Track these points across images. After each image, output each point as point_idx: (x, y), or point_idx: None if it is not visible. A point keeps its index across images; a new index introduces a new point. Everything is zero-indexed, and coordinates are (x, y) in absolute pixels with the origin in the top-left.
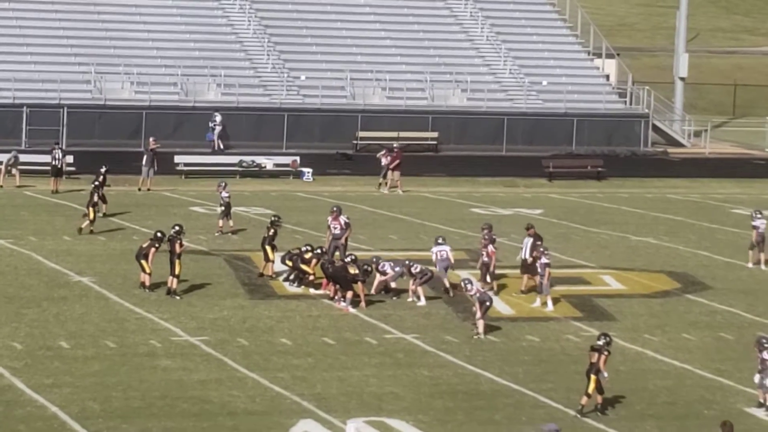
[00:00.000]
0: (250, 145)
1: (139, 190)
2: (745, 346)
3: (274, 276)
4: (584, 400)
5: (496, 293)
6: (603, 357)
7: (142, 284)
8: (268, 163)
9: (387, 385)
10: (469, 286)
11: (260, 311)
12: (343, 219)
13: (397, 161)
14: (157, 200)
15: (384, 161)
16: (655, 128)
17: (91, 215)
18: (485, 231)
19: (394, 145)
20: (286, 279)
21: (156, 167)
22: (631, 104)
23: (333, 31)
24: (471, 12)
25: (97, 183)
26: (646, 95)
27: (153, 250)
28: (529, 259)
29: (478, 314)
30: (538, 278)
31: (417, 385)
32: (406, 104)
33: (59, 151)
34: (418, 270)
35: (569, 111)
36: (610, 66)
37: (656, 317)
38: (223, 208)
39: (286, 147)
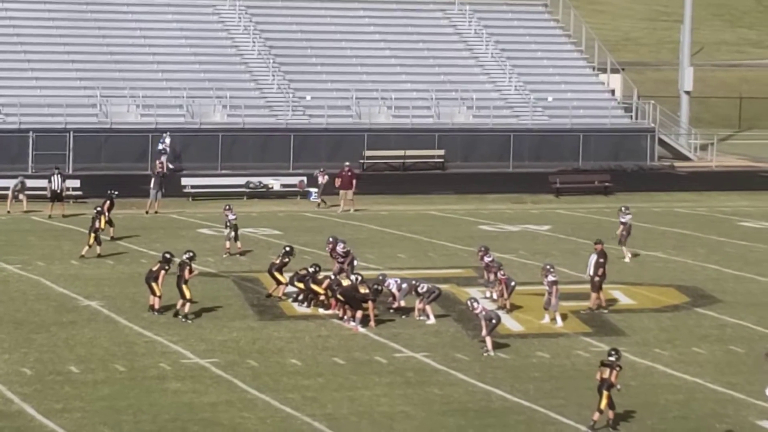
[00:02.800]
0: (257, 166)
1: (147, 213)
2: (755, 359)
3: (284, 297)
4: (596, 416)
5: (509, 311)
6: (615, 372)
7: (151, 307)
8: (275, 183)
9: (398, 405)
10: (474, 305)
11: (269, 332)
12: (339, 248)
13: (351, 180)
14: (165, 223)
15: (321, 179)
16: (662, 142)
17: (90, 241)
18: (484, 254)
19: (346, 164)
20: (296, 299)
21: (164, 190)
22: (636, 119)
23: (338, 50)
24: (475, 29)
25: (99, 209)
26: (651, 109)
27: (162, 272)
28: (596, 278)
29: (484, 331)
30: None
31: (428, 403)
32: (412, 122)
33: (58, 175)
34: (425, 289)
35: (575, 126)
36: (616, 81)
37: (666, 331)
38: (229, 230)
39: (292, 167)
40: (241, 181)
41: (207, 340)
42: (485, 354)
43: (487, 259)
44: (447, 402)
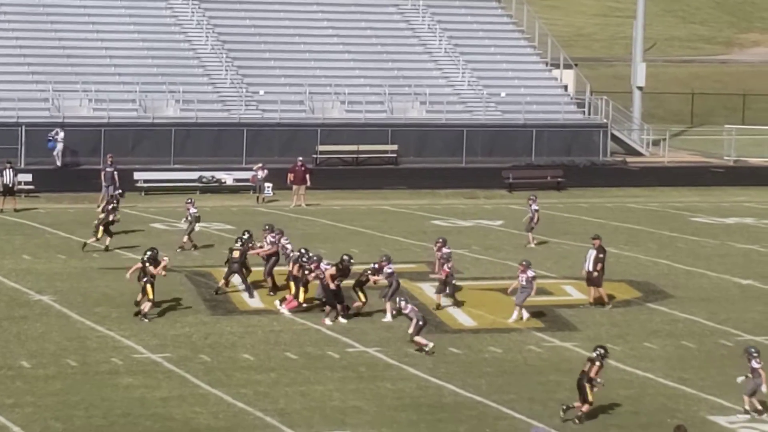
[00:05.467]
0: (210, 161)
1: (99, 207)
2: (707, 354)
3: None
4: (585, 407)
5: (459, 305)
6: (595, 367)
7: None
8: (228, 178)
9: (350, 399)
10: (403, 304)
11: (222, 327)
12: (269, 237)
13: (304, 175)
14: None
15: (261, 174)
16: (614, 138)
17: (99, 234)
18: (440, 246)
19: (299, 159)
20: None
21: (117, 184)
22: (589, 114)
23: (291, 45)
24: (429, 24)
25: (113, 204)
26: (604, 105)
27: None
28: (594, 273)
29: (411, 330)
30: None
31: (380, 398)
32: (366, 117)
33: (10, 170)
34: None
35: (528, 122)
36: (568, 76)
37: (618, 326)
38: (189, 223)
39: (245, 162)
40: (194, 175)
41: (159, 335)
42: (425, 352)
43: (444, 251)
44: (399, 397)
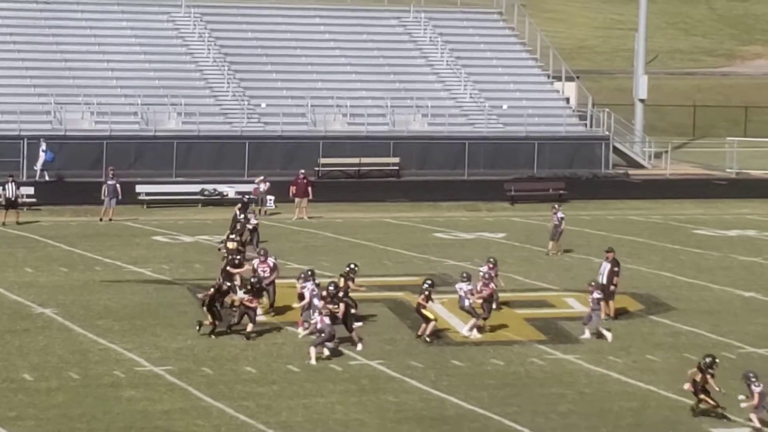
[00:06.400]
0: (212, 174)
1: (101, 220)
2: None
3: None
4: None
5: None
6: (706, 377)
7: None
8: (229, 191)
9: (352, 412)
10: (314, 315)
11: (224, 340)
12: (271, 260)
13: (306, 188)
14: (119, 230)
15: (263, 187)
16: (616, 150)
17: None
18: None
19: (301, 172)
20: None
21: (119, 197)
22: (591, 127)
23: (293, 58)
24: (431, 37)
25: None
26: (606, 117)
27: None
28: (611, 287)
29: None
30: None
31: (382, 411)
32: (368, 130)
33: (12, 183)
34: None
35: (530, 134)
36: (570, 89)
37: (620, 339)
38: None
39: (247, 175)
40: (196, 188)
41: (161, 347)
42: (307, 362)
43: (489, 271)
44: (401, 409)
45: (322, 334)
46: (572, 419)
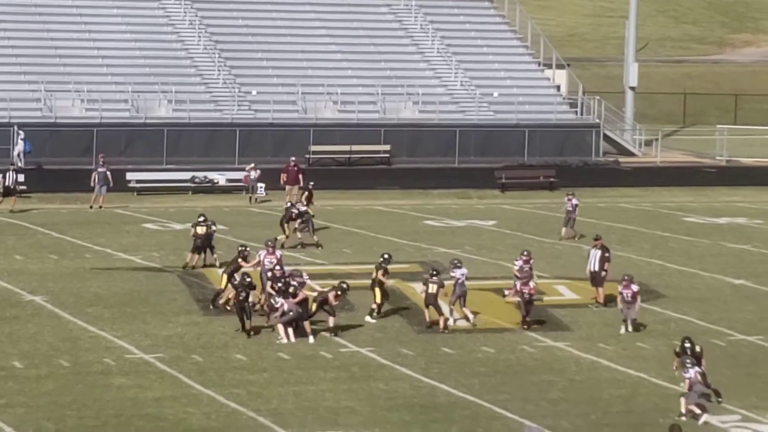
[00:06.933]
0: (202, 161)
1: (91, 207)
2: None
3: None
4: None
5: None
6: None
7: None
8: (220, 178)
9: (343, 400)
10: (276, 299)
11: (215, 327)
12: (279, 253)
13: (296, 176)
14: (109, 217)
15: (253, 174)
16: (607, 138)
17: (287, 231)
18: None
19: (292, 159)
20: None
21: (110, 184)
22: (582, 114)
23: (283, 45)
24: (421, 24)
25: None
26: (596, 105)
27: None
28: (603, 272)
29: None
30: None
31: (373, 398)
32: (358, 117)
33: (13, 172)
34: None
35: (521, 122)
36: (561, 76)
37: (610, 326)
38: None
39: (238, 162)
40: (187, 176)
41: (151, 335)
42: (277, 341)
43: (524, 266)
44: (392, 397)
45: (291, 313)
46: (562, 406)
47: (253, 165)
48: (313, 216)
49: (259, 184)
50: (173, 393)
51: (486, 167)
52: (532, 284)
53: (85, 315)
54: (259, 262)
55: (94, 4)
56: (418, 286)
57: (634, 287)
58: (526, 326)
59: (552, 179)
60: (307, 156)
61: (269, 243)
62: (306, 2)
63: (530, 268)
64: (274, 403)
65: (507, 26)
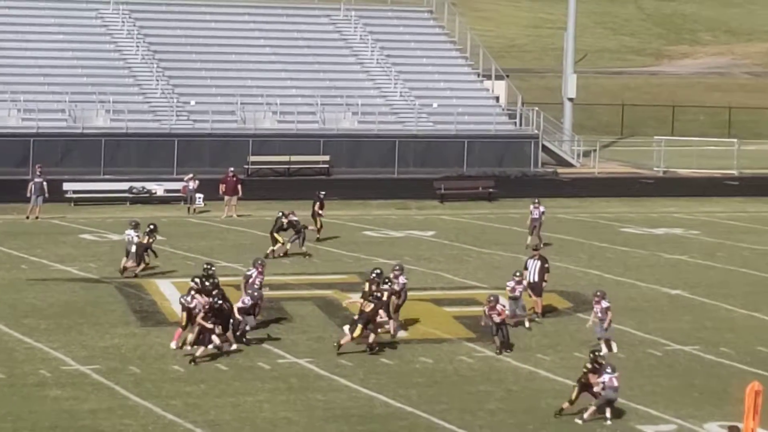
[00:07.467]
0: (140, 171)
1: (27, 218)
2: (636, 364)
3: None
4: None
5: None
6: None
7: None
8: (158, 189)
9: (281, 411)
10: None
11: (152, 338)
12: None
13: (235, 186)
14: (46, 228)
15: (192, 185)
16: (545, 149)
17: (279, 240)
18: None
19: (230, 170)
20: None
21: (46, 195)
22: (521, 125)
23: (222, 55)
24: (361, 35)
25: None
26: (535, 116)
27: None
28: (544, 282)
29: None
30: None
31: (311, 409)
32: (298, 128)
33: None
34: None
35: (460, 133)
36: (500, 87)
37: (548, 337)
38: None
39: (176, 173)
40: (124, 186)
41: (88, 346)
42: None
43: (517, 287)
44: (329, 408)
45: (241, 325)
46: (500, 416)
47: (191, 175)
48: (321, 227)
49: (198, 195)
50: (110, 405)
51: (425, 178)
52: (499, 307)
53: (21, 326)
54: (248, 282)
55: (32, 13)
56: (356, 296)
57: (604, 303)
58: (499, 351)
59: (491, 190)
60: (246, 166)
61: (259, 262)
62: (245, 12)
63: (521, 290)
64: (212, 414)
65: (446, 37)
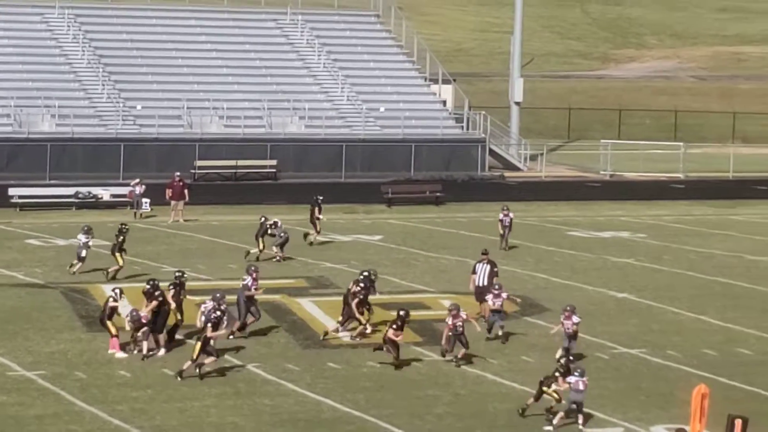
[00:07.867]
0: (87, 176)
1: None
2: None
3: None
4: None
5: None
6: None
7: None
8: (104, 194)
9: (228, 415)
10: (133, 314)
11: (98, 344)
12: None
13: (182, 191)
14: None
15: (138, 189)
16: (492, 152)
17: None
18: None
19: (177, 175)
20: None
21: None
22: (468, 129)
23: (168, 59)
24: (307, 39)
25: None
26: (482, 120)
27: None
28: (496, 287)
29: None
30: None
31: (258, 414)
32: (244, 132)
33: None
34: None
35: (407, 137)
36: (447, 91)
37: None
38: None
39: (123, 177)
40: (71, 191)
41: (34, 352)
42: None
43: (496, 300)
44: (277, 413)
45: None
46: (448, 420)
47: (137, 180)
48: (319, 231)
49: (144, 200)
50: (56, 410)
51: (372, 182)
52: (463, 314)
53: None
54: (244, 287)
55: None
56: (304, 301)
57: (575, 318)
58: (458, 364)
59: (438, 194)
60: (193, 171)
61: (252, 269)
62: (191, 17)
63: (502, 302)
64: (158, 420)
65: (393, 41)
